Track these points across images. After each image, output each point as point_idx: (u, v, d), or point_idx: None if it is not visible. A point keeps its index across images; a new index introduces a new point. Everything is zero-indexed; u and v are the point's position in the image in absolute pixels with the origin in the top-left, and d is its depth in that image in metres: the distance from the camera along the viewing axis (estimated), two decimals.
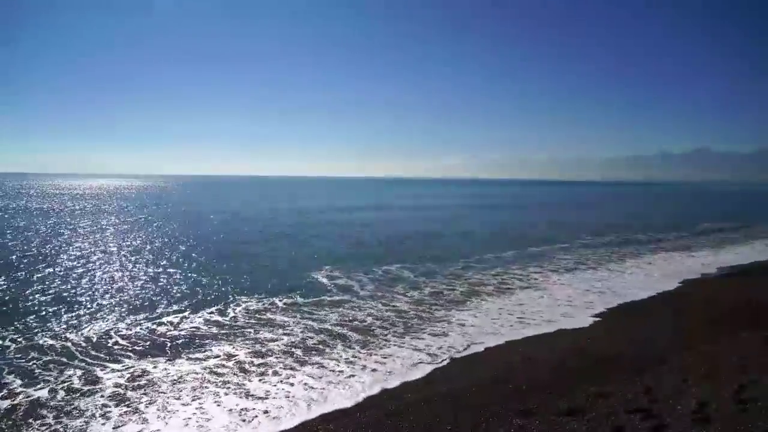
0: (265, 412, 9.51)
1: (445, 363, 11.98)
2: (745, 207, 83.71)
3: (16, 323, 14.55)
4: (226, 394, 10.25)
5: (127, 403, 9.81)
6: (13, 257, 25.57)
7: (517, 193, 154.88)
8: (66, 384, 10.66)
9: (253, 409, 9.63)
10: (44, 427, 8.93)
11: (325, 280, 21.23)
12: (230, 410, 9.56)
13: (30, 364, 11.73)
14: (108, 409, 9.57)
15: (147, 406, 9.66)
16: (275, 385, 10.66)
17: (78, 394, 10.18)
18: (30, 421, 9.11)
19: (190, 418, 9.23)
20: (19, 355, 12.21)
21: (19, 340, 13.28)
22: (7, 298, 17.47)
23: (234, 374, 11.25)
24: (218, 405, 9.75)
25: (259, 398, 10.09)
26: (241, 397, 10.09)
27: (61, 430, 8.87)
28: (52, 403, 9.78)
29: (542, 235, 37.30)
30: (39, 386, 10.51)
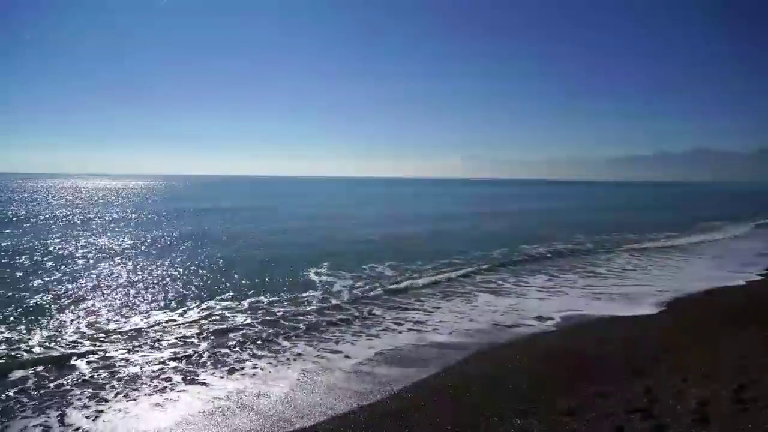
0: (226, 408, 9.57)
1: (443, 363, 11.93)
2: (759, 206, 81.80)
3: None
4: (187, 385, 10.69)
5: (96, 392, 10.28)
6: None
7: (517, 193, 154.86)
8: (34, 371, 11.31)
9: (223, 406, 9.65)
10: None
11: (314, 277, 21.63)
12: (204, 401, 9.87)
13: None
14: (78, 395, 10.08)
15: (115, 396, 10.15)
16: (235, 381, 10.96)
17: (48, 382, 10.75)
18: None
19: (159, 404, 9.72)
20: None
21: None
22: None
23: (201, 367, 11.66)
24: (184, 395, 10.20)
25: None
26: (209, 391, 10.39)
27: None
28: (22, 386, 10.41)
29: (547, 235, 37.27)
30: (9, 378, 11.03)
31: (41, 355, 12.15)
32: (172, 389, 10.39)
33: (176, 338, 13.71)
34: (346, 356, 12.35)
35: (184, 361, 12.02)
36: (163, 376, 11.06)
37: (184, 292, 18.96)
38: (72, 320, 15.05)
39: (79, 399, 9.91)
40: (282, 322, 15.34)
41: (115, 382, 10.71)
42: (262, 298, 18.12)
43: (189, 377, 11.01)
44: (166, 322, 15.17)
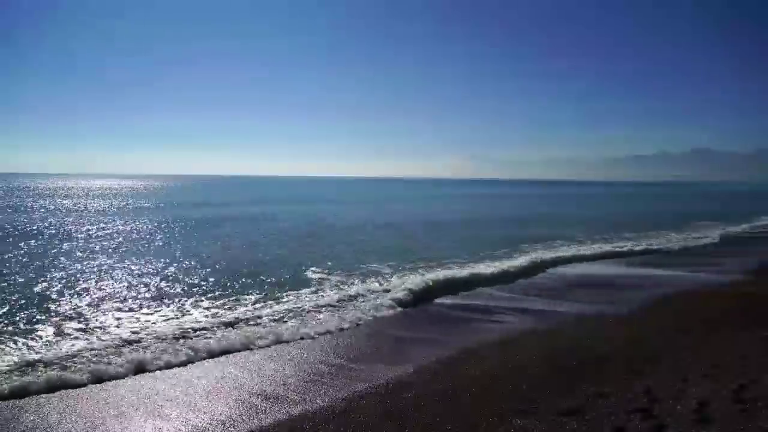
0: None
1: (441, 362, 11.92)
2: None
3: None
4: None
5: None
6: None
7: (517, 193, 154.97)
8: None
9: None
10: None
11: (312, 275, 22.12)
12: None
13: None
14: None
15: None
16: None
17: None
18: None
19: None
20: None
21: None
22: None
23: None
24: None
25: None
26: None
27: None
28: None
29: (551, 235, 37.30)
30: None
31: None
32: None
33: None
34: None
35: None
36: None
37: (167, 292, 19.25)
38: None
39: None
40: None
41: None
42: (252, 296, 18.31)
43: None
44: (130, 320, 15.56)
